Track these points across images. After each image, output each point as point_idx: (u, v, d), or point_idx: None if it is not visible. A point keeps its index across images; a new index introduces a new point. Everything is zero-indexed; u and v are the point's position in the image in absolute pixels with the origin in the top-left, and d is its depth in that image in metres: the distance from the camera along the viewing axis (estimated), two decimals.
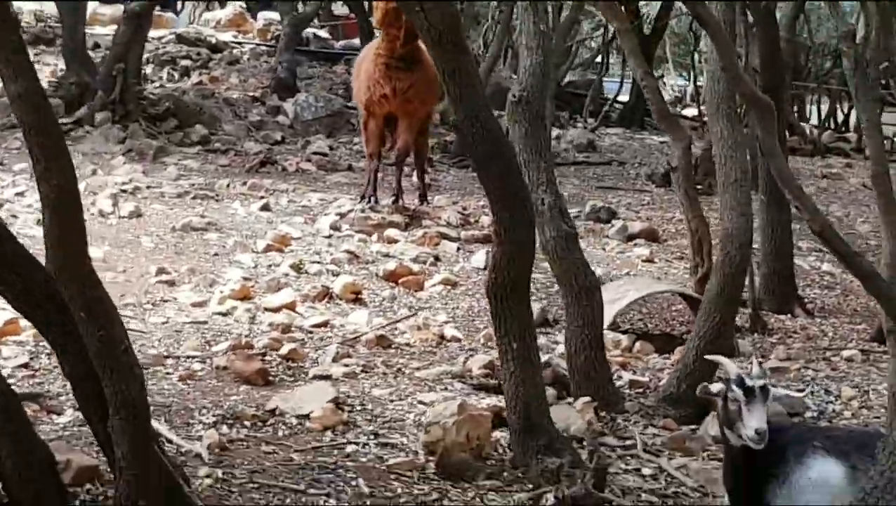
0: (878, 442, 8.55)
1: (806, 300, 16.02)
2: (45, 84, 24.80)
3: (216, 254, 15.07)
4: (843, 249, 8.50)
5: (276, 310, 13.15)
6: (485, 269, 15.32)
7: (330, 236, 16.54)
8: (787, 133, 19.87)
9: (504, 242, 8.53)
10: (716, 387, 8.23)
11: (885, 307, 8.59)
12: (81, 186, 17.59)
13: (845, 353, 13.33)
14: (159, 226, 15.96)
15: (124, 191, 17.82)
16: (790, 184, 8.47)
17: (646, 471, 8.98)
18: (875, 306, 9.36)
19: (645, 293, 13.39)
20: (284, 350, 11.03)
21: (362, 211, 17.90)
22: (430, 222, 17.83)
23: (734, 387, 7.94)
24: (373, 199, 18.24)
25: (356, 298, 14.17)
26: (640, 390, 10.84)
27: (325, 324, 12.72)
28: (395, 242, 16.68)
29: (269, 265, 14.85)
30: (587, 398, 9.88)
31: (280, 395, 9.70)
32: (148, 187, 18.24)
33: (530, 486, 8.36)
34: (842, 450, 8.26)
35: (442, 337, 12.39)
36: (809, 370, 12.04)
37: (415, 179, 19.18)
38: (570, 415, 9.58)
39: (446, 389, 10.39)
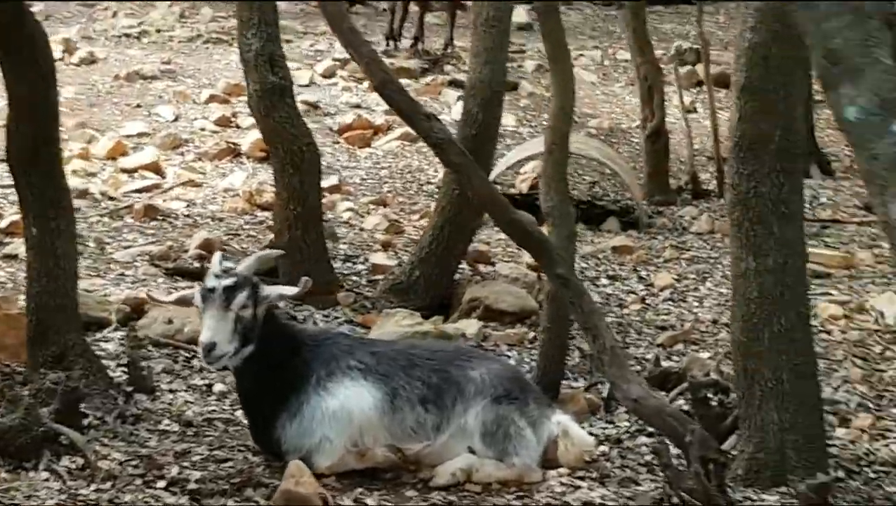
0: (451, 356, 6.53)
1: (833, 159, 13.30)
2: None
3: (139, 105, 13.81)
4: (406, 108, 6.52)
5: (132, 171, 11.85)
6: None
7: (309, 85, 14.95)
8: None
9: (13, 99, 6.85)
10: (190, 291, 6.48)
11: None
12: (73, 30, 17.03)
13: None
14: (105, 73, 14.82)
15: (127, 36, 16.76)
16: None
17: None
18: None
19: (527, 154, 11.27)
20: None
21: None
22: (452, 69, 15.92)
23: (197, 287, 6.19)
24: (391, 42, 16.42)
25: (268, 155, 12.64)
26: (381, 277, 8.94)
27: (154, 187, 11.31)
28: None
29: (195, 118, 13.48)
30: None
31: None
32: (158, 31, 17.07)
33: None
34: (384, 371, 6.32)
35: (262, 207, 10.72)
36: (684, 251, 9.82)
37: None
38: None
39: (122, 274, 8.79)
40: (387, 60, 15.87)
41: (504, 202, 6.48)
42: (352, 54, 6.58)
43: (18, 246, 9.19)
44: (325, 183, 11.75)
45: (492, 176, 11.24)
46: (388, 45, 16.52)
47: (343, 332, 7.29)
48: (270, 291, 6.19)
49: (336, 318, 8.34)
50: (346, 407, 6.24)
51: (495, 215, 6.58)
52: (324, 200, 10.96)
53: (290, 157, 8.57)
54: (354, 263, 9.29)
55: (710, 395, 6.85)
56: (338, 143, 13.43)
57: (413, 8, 16.93)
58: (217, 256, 6.45)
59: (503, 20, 8.49)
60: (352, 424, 6.24)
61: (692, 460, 5.78)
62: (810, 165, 13.11)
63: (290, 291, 6.23)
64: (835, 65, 3.10)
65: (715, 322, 8.46)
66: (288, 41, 16.91)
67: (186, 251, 9.22)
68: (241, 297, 6.05)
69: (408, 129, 13.51)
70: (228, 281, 6.07)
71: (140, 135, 12.78)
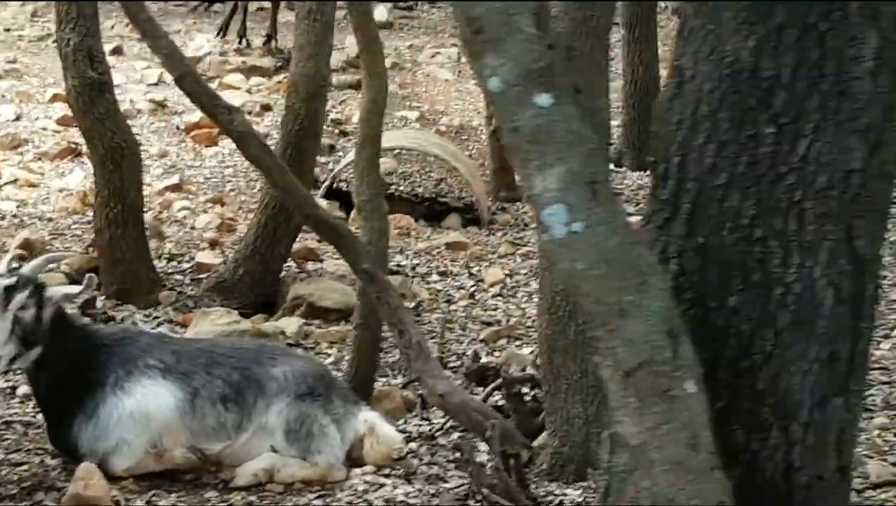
0: (254, 354, 6.35)
1: None
2: None
3: None
4: (206, 101, 6.34)
5: None
6: None
7: (157, 84, 14.67)
8: None
9: None
10: None
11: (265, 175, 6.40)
12: None
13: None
14: None
15: None
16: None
17: None
18: None
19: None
20: None
21: (221, 55, 15.96)
22: None
23: None
24: (244, 40, 16.21)
25: None
26: (205, 276, 8.75)
27: None
28: (236, 89, 14.68)
29: (38, 118, 13.16)
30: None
31: None
32: (7, 30, 16.70)
33: None
34: (184, 370, 6.12)
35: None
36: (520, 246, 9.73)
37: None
38: None
39: None
40: (239, 58, 15.74)
41: (307, 196, 6.32)
42: (150, 46, 6.39)
43: None
44: (165, 182, 11.58)
45: (334, 172, 11.16)
46: (240, 42, 16.30)
47: (143, 330, 7.11)
48: (55, 291, 6.01)
49: (156, 317, 8.15)
50: (143, 407, 6.04)
51: (298, 210, 6.43)
52: (161, 199, 10.78)
53: (110, 154, 8.37)
54: (179, 262, 9.09)
55: (525, 390, 6.76)
56: (184, 141, 13.19)
57: (266, 5, 16.76)
58: (6, 257, 6.28)
59: (326, 13, 8.35)
60: (150, 424, 6.04)
61: (494, 454, 5.68)
62: None
63: (75, 290, 6.06)
64: (477, 34, 3.01)
65: None
66: (140, 39, 16.66)
67: (6, 252, 8.93)
68: (20, 297, 5.84)
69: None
70: (8, 281, 5.86)
71: None
